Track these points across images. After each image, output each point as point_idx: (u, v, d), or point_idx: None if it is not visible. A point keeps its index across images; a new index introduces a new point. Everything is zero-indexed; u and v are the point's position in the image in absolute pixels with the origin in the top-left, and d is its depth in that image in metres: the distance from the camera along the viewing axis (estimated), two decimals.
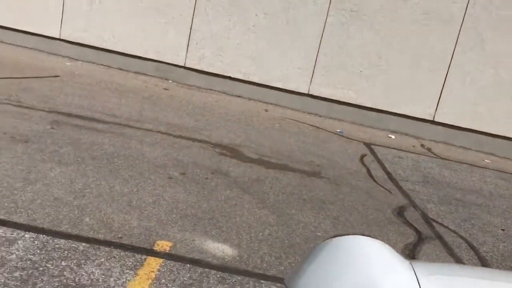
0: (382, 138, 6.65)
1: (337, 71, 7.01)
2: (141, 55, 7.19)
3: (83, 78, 6.48)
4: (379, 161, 5.47)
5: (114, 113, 5.22)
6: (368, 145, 6.08)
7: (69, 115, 4.86)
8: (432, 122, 7.03)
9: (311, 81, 7.06)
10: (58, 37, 7.21)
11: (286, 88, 7.10)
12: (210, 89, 7.22)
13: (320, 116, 7.16)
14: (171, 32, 7.08)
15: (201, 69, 7.15)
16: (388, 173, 5.02)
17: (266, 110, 6.85)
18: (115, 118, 5.05)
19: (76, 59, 7.36)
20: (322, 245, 1.35)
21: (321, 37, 6.94)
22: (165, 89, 6.85)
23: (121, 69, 7.31)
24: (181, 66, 7.20)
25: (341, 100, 7.08)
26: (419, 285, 1.15)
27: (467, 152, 6.84)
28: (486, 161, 6.56)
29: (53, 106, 5.04)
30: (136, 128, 4.83)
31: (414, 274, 1.19)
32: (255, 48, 7.03)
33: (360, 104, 7.06)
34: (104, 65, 7.37)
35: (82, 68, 7.03)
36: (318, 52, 6.98)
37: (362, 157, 5.47)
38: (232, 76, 7.11)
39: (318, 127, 6.50)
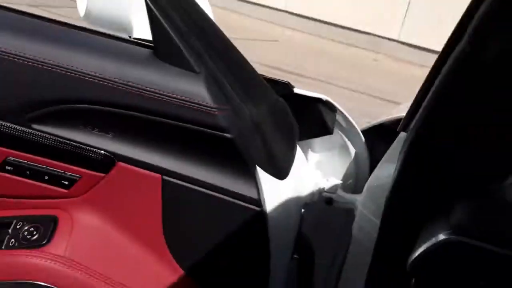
0: None
1: None
2: (354, 27, 7.31)
3: (298, 44, 6.95)
4: None
5: (320, 72, 5.49)
6: None
7: (278, 68, 5.33)
8: None
9: None
10: (283, 9, 7.86)
11: None
12: (423, 65, 6.90)
13: None
14: (387, 4, 7.01)
15: (415, 44, 6.90)
16: None
17: None
18: (318, 75, 5.31)
19: (296, 29, 7.91)
20: None
21: None
22: (374, 60, 6.84)
23: (333, 39, 7.57)
24: (394, 40, 7.07)
25: None
26: None
27: None
28: None
29: (265, 62, 5.57)
30: (332, 85, 5.01)
31: None
32: None
33: None
34: (321, 36, 7.75)
35: (299, 37, 7.53)
36: None
37: None
38: None
39: None
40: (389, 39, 7.10)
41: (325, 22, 7.58)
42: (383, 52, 7.21)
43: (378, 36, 7.18)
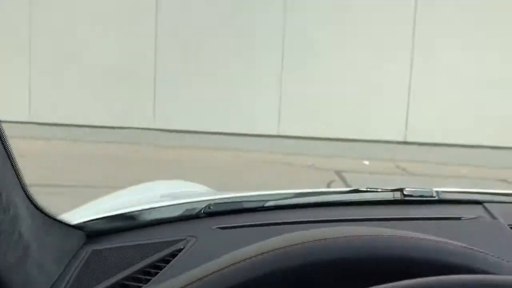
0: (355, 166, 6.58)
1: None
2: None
3: None
4: (347, 184, 5.41)
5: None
6: (338, 172, 6.03)
7: None
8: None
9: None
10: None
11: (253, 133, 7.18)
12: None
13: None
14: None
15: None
16: None
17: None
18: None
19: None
20: None
21: None
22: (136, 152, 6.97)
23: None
24: (150, 129, 7.38)
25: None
26: None
27: None
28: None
29: None
30: None
31: None
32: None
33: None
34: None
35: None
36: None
37: (329, 183, 5.42)
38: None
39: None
40: (144, 128, 7.35)
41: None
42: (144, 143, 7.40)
43: (136, 128, 7.36)
